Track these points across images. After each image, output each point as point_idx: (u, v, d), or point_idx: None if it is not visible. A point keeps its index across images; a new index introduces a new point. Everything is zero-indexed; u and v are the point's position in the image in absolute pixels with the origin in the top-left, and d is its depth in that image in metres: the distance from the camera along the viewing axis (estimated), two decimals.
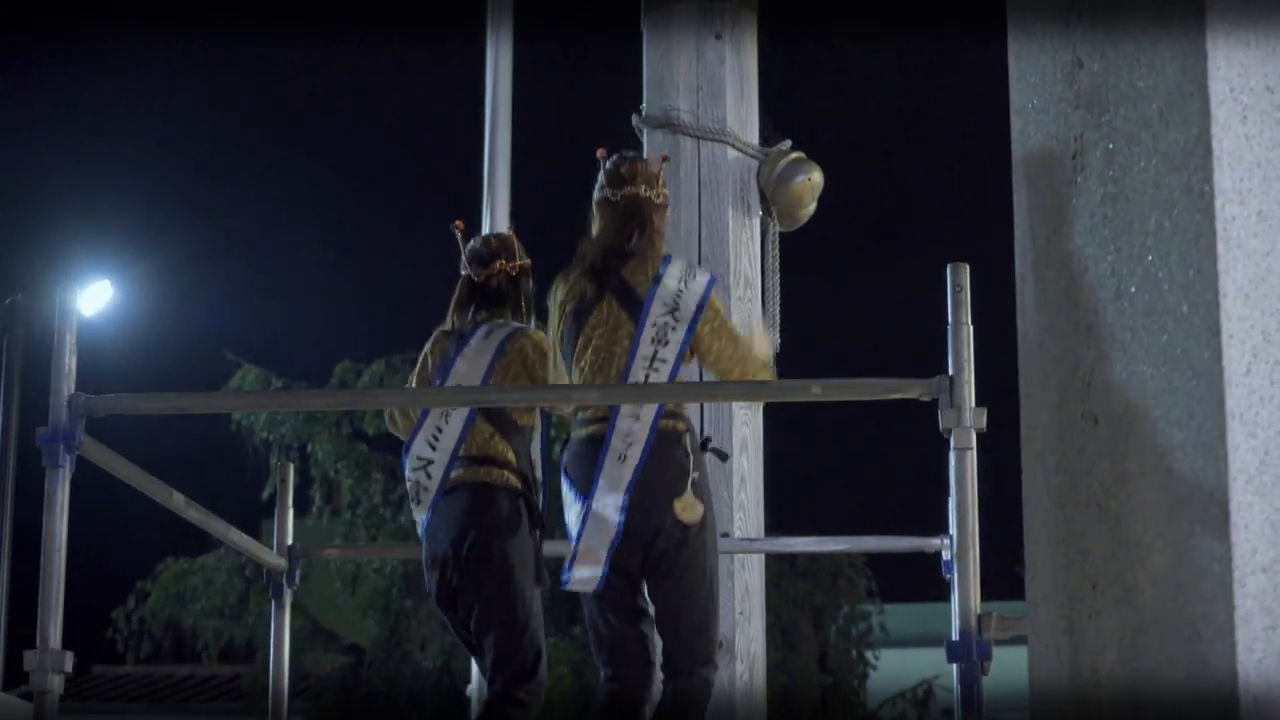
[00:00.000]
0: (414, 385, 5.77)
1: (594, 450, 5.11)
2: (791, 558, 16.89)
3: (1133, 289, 3.07)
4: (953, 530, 4.55)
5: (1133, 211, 3.09)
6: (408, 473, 5.57)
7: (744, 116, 6.40)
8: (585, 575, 5.09)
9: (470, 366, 5.58)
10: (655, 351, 5.15)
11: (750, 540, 6.06)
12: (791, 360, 6.18)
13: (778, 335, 6.25)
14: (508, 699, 5.39)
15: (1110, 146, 3.20)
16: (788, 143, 6.38)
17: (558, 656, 17.04)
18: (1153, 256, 2.99)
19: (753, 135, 6.40)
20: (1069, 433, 3.39)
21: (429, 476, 5.51)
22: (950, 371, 4.47)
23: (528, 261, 5.78)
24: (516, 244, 5.81)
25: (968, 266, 4.59)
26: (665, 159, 5.60)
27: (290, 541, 6.24)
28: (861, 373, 4.65)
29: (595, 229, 5.37)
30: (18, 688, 10.86)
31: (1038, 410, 3.57)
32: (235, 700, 20.83)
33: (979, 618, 4.40)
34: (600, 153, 5.45)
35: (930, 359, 4.69)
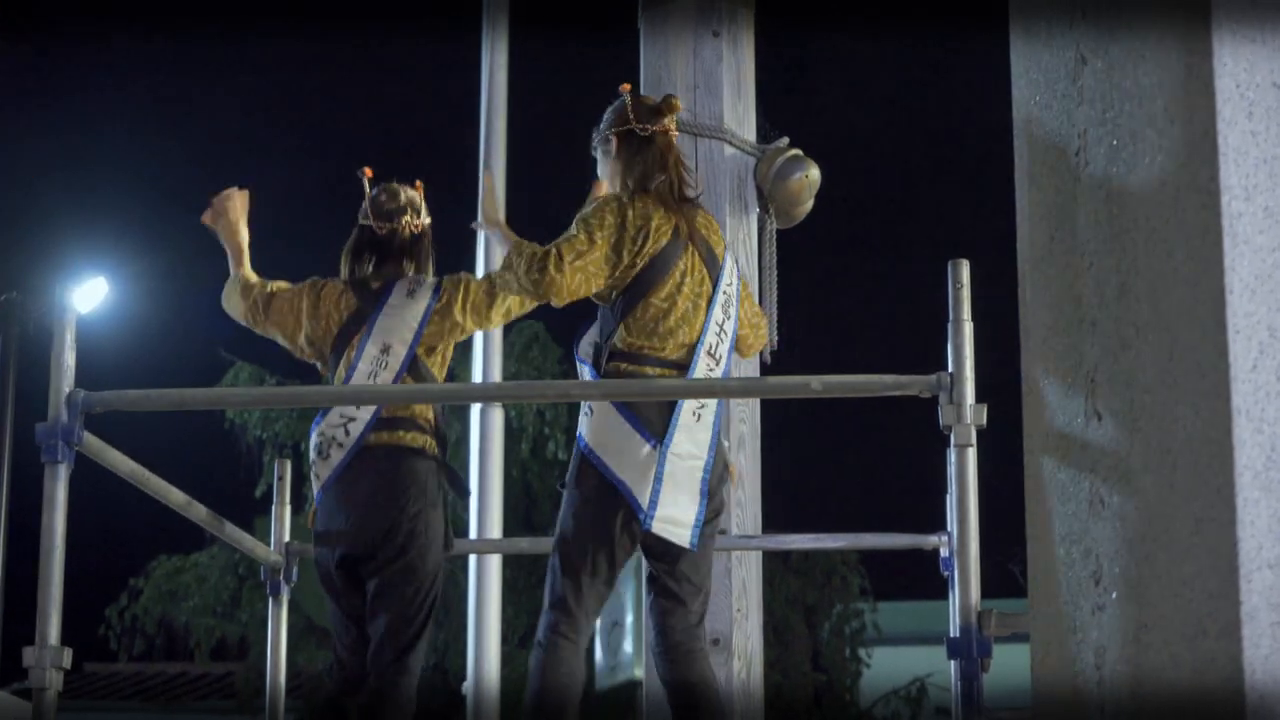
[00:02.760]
0: (308, 327, 5.69)
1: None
2: (785, 555, 16.90)
3: (1137, 285, 3.07)
4: (952, 527, 4.56)
5: (1137, 208, 3.09)
6: (322, 427, 5.44)
7: (741, 114, 6.39)
8: (680, 529, 5.05)
9: (398, 322, 5.51)
10: (723, 321, 5.21)
11: (748, 537, 6.06)
12: (789, 358, 6.18)
13: (775, 333, 6.24)
14: (401, 669, 5.39)
15: (1114, 143, 3.20)
16: (785, 140, 6.38)
17: None
18: (1158, 253, 2.99)
19: (750, 132, 6.40)
20: (1072, 429, 3.39)
21: (347, 433, 5.41)
22: (950, 368, 4.48)
23: (429, 220, 5.75)
24: (423, 202, 5.74)
25: (967, 263, 4.59)
26: (628, 88, 5.46)
27: (288, 538, 6.23)
28: (858, 371, 4.65)
29: (628, 160, 5.31)
30: (9, 685, 10.84)
31: (1040, 407, 3.57)
32: (227, 698, 20.82)
33: (979, 614, 4.40)
34: (625, 87, 5.41)
35: (926, 357, 4.70)
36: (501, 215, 5.40)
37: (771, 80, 6.59)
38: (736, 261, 5.42)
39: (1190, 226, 2.87)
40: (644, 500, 4.99)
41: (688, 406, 5.06)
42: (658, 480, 5.00)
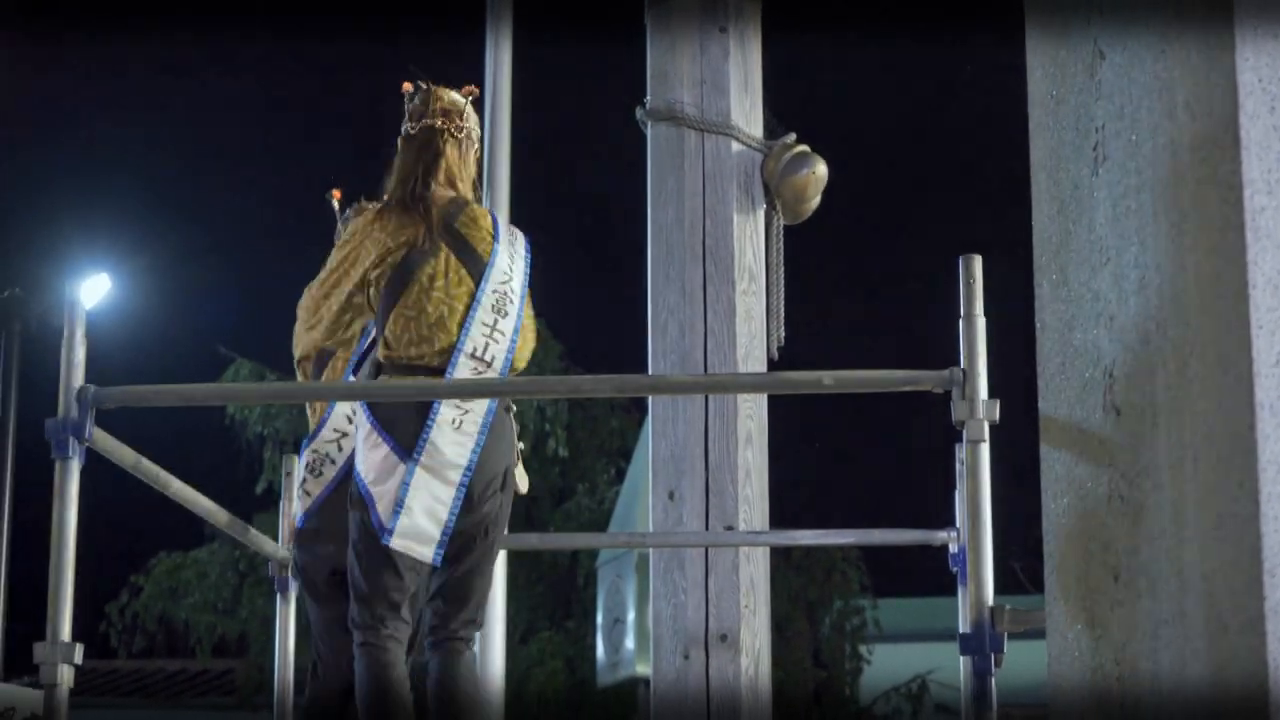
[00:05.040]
0: (318, 319, 5.77)
1: (422, 407, 4.98)
2: (786, 551, 16.89)
3: (1157, 280, 3.06)
4: (963, 523, 4.55)
5: (1157, 203, 3.08)
6: (315, 444, 5.48)
7: (748, 109, 6.38)
8: (423, 546, 4.97)
9: None
10: (495, 321, 5.08)
11: (755, 533, 6.04)
12: (795, 355, 6.17)
13: (782, 329, 6.22)
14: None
15: (1133, 137, 3.19)
16: (792, 136, 6.37)
17: (551, 651, 17.03)
18: (1178, 248, 2.98)
19: (757, 128, 6.38)
20: (1089, 424, 3.38)
21: (340, 449, 5.46)
22: (963, 364, 4.46)
23: None
24: None
25: (979, 258, 4.57)
26: (473, 91, 5.38)
27: None
28: (865, 367, 4.63)
29: (395, 165, 5.26)
30: (12, 681, 10.82)
31: (1057, 402, 3.56)
32: (227, 695, 20.82)
33: (991, 610, 4.39)
34: (406, 86, 5.31)
35: (929, 355, 4.69)
36: None
37: (778, 76, 6.58)
38: (525, 258, 5.28)
39: (1211, 221, 2.86)
40: (384, 517, 4.95)
41: (445, 416, 4.95)
42: (400, 497, 4.94)
